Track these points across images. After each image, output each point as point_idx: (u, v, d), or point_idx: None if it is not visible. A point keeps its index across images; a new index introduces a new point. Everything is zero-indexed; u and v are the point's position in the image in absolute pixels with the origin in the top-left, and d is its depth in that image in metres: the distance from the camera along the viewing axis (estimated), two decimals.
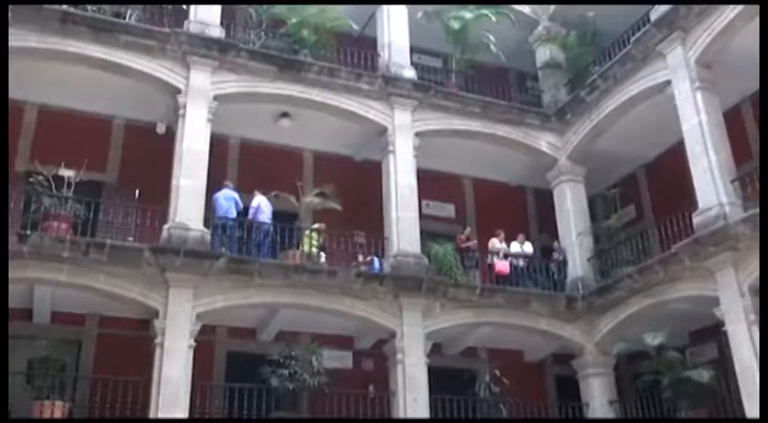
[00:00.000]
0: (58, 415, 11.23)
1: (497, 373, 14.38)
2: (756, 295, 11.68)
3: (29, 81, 13.45)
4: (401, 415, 13.04)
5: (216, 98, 13.89)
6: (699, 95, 13.42)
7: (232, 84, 14.26)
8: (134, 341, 12.68)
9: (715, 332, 12.98)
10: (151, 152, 14.32)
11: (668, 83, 14.03)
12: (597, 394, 14.75)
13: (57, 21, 12.85)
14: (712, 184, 12.76)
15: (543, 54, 18.04)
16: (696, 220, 12.84)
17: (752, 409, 11.44)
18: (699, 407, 12.78)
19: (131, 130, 15.20)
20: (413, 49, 16.51)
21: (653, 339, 13.39)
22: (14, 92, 13.23)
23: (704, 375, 12.77)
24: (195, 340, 12.23)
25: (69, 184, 12.41)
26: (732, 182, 12.78)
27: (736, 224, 12.04)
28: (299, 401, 12.79)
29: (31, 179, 12.51)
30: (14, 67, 11.98)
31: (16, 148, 14.03)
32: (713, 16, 13.07)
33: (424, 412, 13.10)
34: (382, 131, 15.36)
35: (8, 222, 9.38)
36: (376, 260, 14.46)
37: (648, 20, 14.39)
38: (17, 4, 7.75)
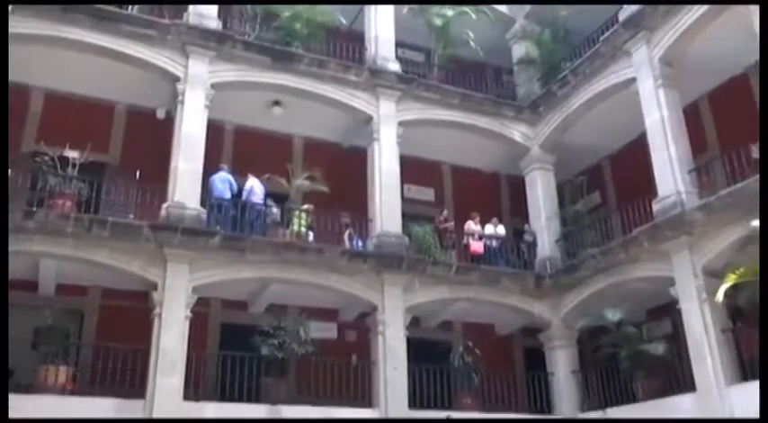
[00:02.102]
0: (62, 379, 11.19)
1: (470, 344, 14.43)
2: (708, 276, 11.79)
3: (35, 67, 13.31)
4: (382, 382, 13.08)
5: (213, 86, 13.79)
6: (661, 92, 13.46)
7: (228, 73, 14.11)
8: (134, 312, 12.59)
9: (670, 309, 13.10)
10: (151, 136, 14.17)
11: (633, 80, 14.04)
12: (561, 365, 14.89)
13: (59, 10, 12.62)
14: (671, 174, 12.84)
15: (519, 50, 18.03)
16: (655, 206, 12.91)
17: (701, 378, 11.58)
18: (653, 377, 12.92)
19: (133, 115, 15.01)
20: (398, 44, 16.43)
21: (613, 315, 13.50)
22: (21, 76, 13.16)
23: (659, 348, 12.92)
24: (191, 311, 12.21)
25: (74, 165, 12.32)
26: (689, 172, 12.86)
27: (691, 211, 12.12)
28: (287, 369, 12.76)
29: (37, 159, 12.36)
30: (21, 52, 11.86)
31: (23, 130, 13.87)
32: (678, 16, 13.05)
33: (403, 380, 13.16)
34: (368, 120, 15.30)
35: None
36: (357, 240, 14.48)
37: (617, 20, 14.36)
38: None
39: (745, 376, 11.49)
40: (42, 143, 12.79)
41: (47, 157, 12.14)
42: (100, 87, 14.35)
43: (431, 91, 16.07)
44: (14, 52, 9.96)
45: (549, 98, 16.41)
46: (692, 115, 14.20)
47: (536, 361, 15.60)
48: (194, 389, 11.93)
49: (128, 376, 11.57)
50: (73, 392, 11.25)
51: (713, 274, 11.62)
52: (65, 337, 11.82)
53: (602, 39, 14.73)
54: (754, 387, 11.06)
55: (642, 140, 14.05)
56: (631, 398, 13.13)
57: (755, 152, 12.34)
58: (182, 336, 11.89)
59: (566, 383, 14.67)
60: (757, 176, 11.07)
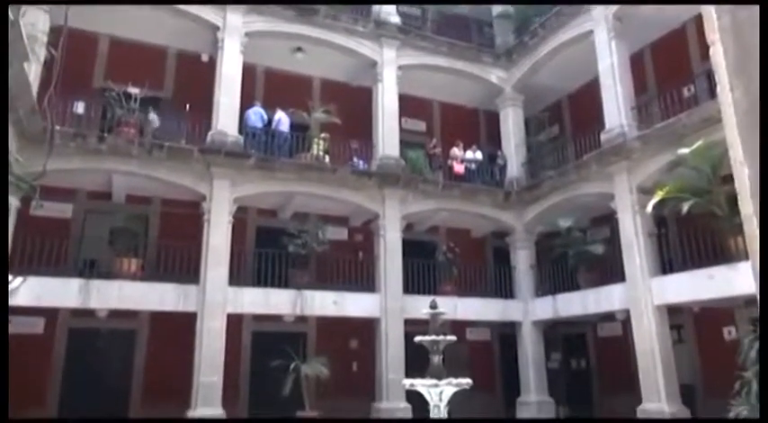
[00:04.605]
0: (134, 268, 11.42)
1: (452, 244, 14.67)
2: (641, 192, 11.81)
3: (101, 17, 12.86)
4: (382, 272, 13.35)
5: (247, 35, 13.39)
6: (613, 43, 13.09)
7: (259, 24, 13.67)
8: (188, 217, 12.71)
9: (609, 218, 13.22)
10: (197, 76, 13.87)
11: (591, 32, 13.61)
12: (522, 260, 15.14)
13: None
14: (617, 110, 12.64)
15: (498, 7, 17.35)
16: (603, 137, 12.78)
17: (630, 271, 11.81)
18: (593, 270, 13.20)
19: (182, 58, 14.63)
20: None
21: (564, 223, 13.65)
22: (90, 25, 12.80)
23: (599, 248, 13.13)
24: (233, 217, 12.33)
25: (135, 99, 12.10)
26: (632, 109, 12.67)
27: (632, 141, 12.02)
28: (308, 262, 13.00)
29: (105, 94, 12.16)
30: (88, 6, 11.47)
31: (93, 69, 13.58)
32: None
33: (398, 270, 13.42)
34: (373, 64, 14.93)
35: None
36: (359, 161, 14.41)
37: None
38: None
39: (664, 270, 11.73)
40: (109, 81, 12.55)
41: (113, 93, 11.95)
42: (154, 34, 13.92)
43: (425, 41, 15.59)
44: (82, 6, 9.63)
45: (522, 47, 15.92)
46: (636, 62, 13.86)
47: (502, 257, 15.85)
48: (237, 277, 12.21)
49: (185, 266, 11.81)
50: (142, 278, 11.50)
51: (645, 191, 11.63)
52: (134, 235, 11.98)
53: None
54: (669, 279, 11.38)
55: (595, 82, 13.74)
56: (575, 286, 13.46)
57: (686, 93, 12.12)
58: (226, 236, 12.06)
59: (525, 275, 14.98)
60: (686, 112, 10.93)
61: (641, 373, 11.28)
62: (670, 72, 13.49)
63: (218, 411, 10.91)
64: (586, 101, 15.30)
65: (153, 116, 12.42)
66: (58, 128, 10.66)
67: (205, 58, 14.28)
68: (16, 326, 11.33)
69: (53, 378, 11.85)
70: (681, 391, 11.08)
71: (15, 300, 9.97)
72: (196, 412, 10.76)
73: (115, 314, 11.57)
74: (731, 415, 8.54)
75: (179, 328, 11.71)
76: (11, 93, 7.79)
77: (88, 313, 11.40)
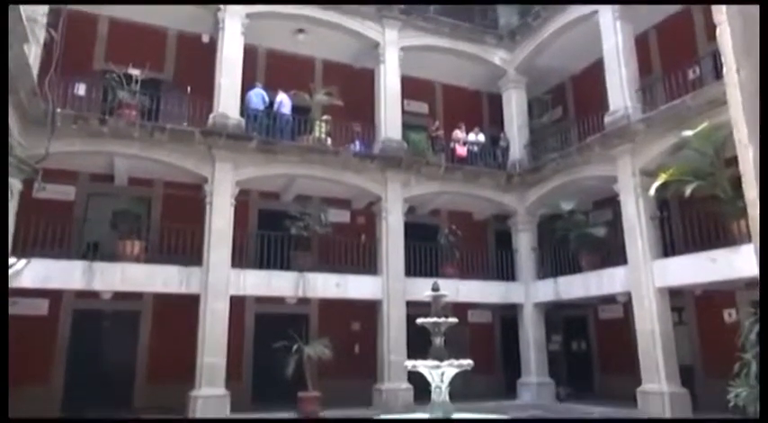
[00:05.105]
0: (136, 250, 11.46)
1: (454, 227, 14.68)
2: (644, 175, 11.75)
3: None
4: (384, 255, 13.38)
5: (248, 15, 13.25)
6: (618, 23, 12.93)
7: (261, 5, 13.48)
8: (190, 200, 12.71)
9: (611, 201, 13.17)
10: (198, 57, 13.78)
11: (595, 12, 13.44)
12: (524, 244, 15.15)
13: None
14: (621, 92, 12.54)
15: None
16: (606, 119, 12.69)
17: (632, 254, 11.82)
18: (594, 253, 13.20)
19: (183, 39, 14.51)
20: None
21: (566, 205, 13.63)
22: (89, 7, 12.64)
23: (601, 231, 13.13)
24: (235, 200, 12.33)
25: (136, 81, 12.03)
26: (636, 91, 12.55)
27: (635, 123, 11.93)
28: (311, 245, 13.02)
29: (106, 76, 12.08)
30: None
31: (93, 51, 13.49)
32: None
33: (400, 253, 13.45)
34: (375, 45, 14.80)
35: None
36: (355, 144, 14.32)
37: None
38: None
39: (666, 253, 11.74)
40: (110, 63, 12.47)
41: (114, 74, 11.87)
42: (155, 16, 13.78)
43: (427, 21, 15.42)
44: None
45: (525, 28, 15.75)
46: (641, 43, 13.69)
47: (504, 241, 15.86)
48: (239, 259, 12.24)
49: (187, 249, 11.84)
50: (145, 261, 11.55)
51: (648, 174, 11.58)
52: (137, 218, 12.00)
53: None
54: (670, 261, 11.38)
55: (599, 64, 13.60)
56: (577, 269, 13.48)
57: (691, 75, 12.00)
58: (228, 218, 12.07)
59: (527, 258, 15.00)
60: (691, 94, 10.84)
61: (641, 354, 11.35)
62: (675, 53, 13.34)
63: (221, 391, 11.04)
64: (590, 83, 15.17)
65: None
66: (59, 110, 10.64)
67: (206, 39, 14.17)
68: (21, 307, 11.45)
69: (58, 357, 11.98)
70: (680, 373, 11.16)
71: (20, 282, 10.06)
72: (200, 392, 10.89)
73: (119, 296, 11.65)
74: (730, 396, 8.62)
75: (183, 310, 11.80)
76: (11, 74, 7.76)
77: (92, 295, 11.48)
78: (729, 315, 12.04)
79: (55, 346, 11.99)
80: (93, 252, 11.61)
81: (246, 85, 13.18)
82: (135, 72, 12.12)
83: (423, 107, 17.08)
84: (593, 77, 14.62)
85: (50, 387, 11.68)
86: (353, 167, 13.54)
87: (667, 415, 10.48)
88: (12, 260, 9.76)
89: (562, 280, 13.78)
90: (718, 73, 10.77)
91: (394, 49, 14.78)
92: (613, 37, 12.91)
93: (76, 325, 12.23)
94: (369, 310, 13.51)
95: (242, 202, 12.90)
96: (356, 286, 12.98)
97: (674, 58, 13.10)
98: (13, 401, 9.64)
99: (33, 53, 9.48)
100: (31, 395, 11.01)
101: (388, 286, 13.15)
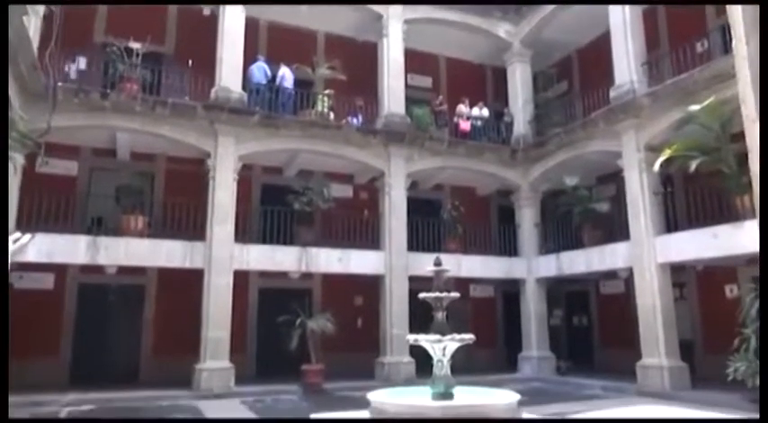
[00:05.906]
0: (140, 225, 11.48)
1: (457, 202, 14.66)
2: (648, 150, 11.67)
3: None
4: (387, 230, 13.41)
5: None
6: None
7: None
8: (192, 174, 12.72)
9: (615, 177, 13.12)
10: (199, 30, 13.58)
11: None
12: (527, 219, 15.14)
13: None
14: (627, 66, 12.36)
15: None
16: (612, 93, 12.55)
17: (635, 230, 11.80)
18: (598, 228, 13.20)
19: (183, 12, 14.30)
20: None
21: (570, 181, 13.58)
22: None
23: (604, 207, 13.11)
24: (238, 175, 12.32)
25: (137, 54, 11.91)
26: (642, 65, 12.38)
27: (641, 97, 11.80)
28: (313, 220, 13.04)
29: (107, 49, 11.96)
30: None
31: (93, 24, 13.33)
32: None
33: (402, 228, 13.48)
34: (378, 18, 14.57)
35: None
36: (353, 118, 14.15)
37: None
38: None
39: (669, 229, 11.73)
40: (110, 36, 12.34)
41: (115, 47, 11.74)
42: None
43: None
44: None
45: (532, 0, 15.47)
46: (649, 16, 13.45)
47: (507, 216, 15.86)
48: (242, 234, 12.29)
49: (191, 224, 11.87)
50: (149, 235, 11.59)
51: (652, 149, 11.51)
52: (140, 192, 11.99)
53: None
54: (673, 237, 11.38)
55: (606, 37, 13.39)
56: (579, 244, 13.49)
57: (699, 49, 11.82)
58: (231, 193, 12.08)
59: (529, 233, 15.01)
60: (699, 68, 10.69)
61: (642, 328, 11.43)
62: (683, 27, 13.12)
63: (226, 364, 11.19)
64: (596, 56, 14.98)
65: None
66: (60, 84, 10.58)
67: (207, 11, 13.93)
68: (27, 281, 11.57)
69: (66, 330, 12.13)
70: (680, 347, 11.25)
71: (25, 256, 10.14)
72: (205, 365, 11.05)
73: (124, 270, 11.73)
74: (729, 370, 8.73)
75: (187, 284, 11.89)
76: (11, 47, 7.68)
77: (97, 269, 11.57)
78: (731, 291, 12.10)
79: (62, 319, 12.13)
80: (97, 227, 11.65)
81: (248, 59, 13.03)
82: (136, 45, 11.99)
83: (426, 81, 16.91)
84: (599, 51, 14.43)
85: (59, 359, 11.86)
86: (356, 142, 13.48)
87: (666, 389, 10.60)
88: (17, 234, 9.83)
89: (564, 255, 13.81)
90: (726, 47, 10.62)
91: (397, 22, 14.57)
92: (620, 9, 12.68)
93: (82, 299, 12.36)
94: (371, 285, 13.59)
95: (245, 177, 12.87)
96: (359, 261, 13.04)
97: (682, 32, 12.89)
98: (24, 373, 9.88)
99: (33, 25, 9.38)
100: (41, 367, 11.22)
101: (390, 261, 13.21)
